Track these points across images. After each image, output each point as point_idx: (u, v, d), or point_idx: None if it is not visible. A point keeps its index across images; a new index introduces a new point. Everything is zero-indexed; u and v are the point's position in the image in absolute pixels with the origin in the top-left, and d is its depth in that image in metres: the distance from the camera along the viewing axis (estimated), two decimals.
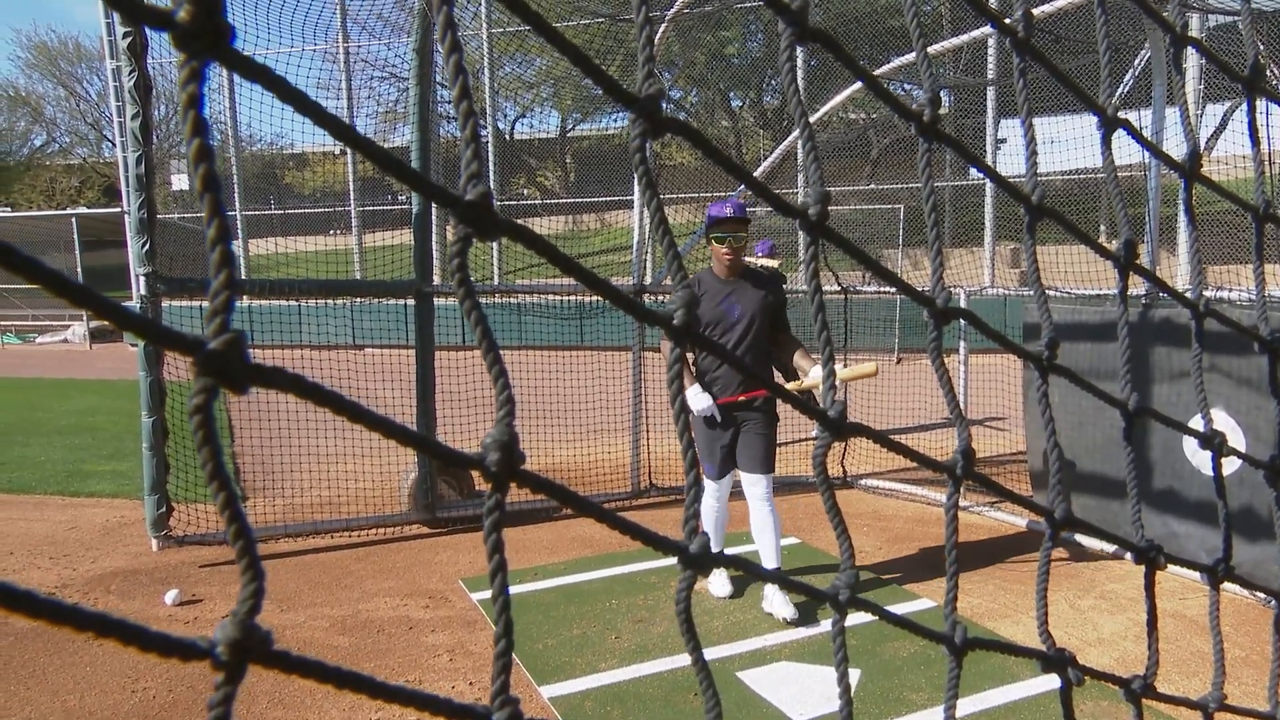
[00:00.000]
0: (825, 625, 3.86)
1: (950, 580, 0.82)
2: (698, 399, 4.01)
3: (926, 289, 0.80)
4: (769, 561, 4.02)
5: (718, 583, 4.19)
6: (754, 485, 4.05)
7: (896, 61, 6.10)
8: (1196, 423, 1.08)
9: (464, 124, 0.51)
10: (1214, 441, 1.06)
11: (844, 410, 0.68)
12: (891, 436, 0.79)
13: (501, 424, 0.51)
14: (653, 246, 7.40)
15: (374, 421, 0.48)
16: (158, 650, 0.40)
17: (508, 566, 0.54)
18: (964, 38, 5.94)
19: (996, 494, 0.86)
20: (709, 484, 4.17)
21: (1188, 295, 1.07)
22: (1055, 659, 0.87)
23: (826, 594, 0.70)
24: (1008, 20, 0.86)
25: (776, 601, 3.98)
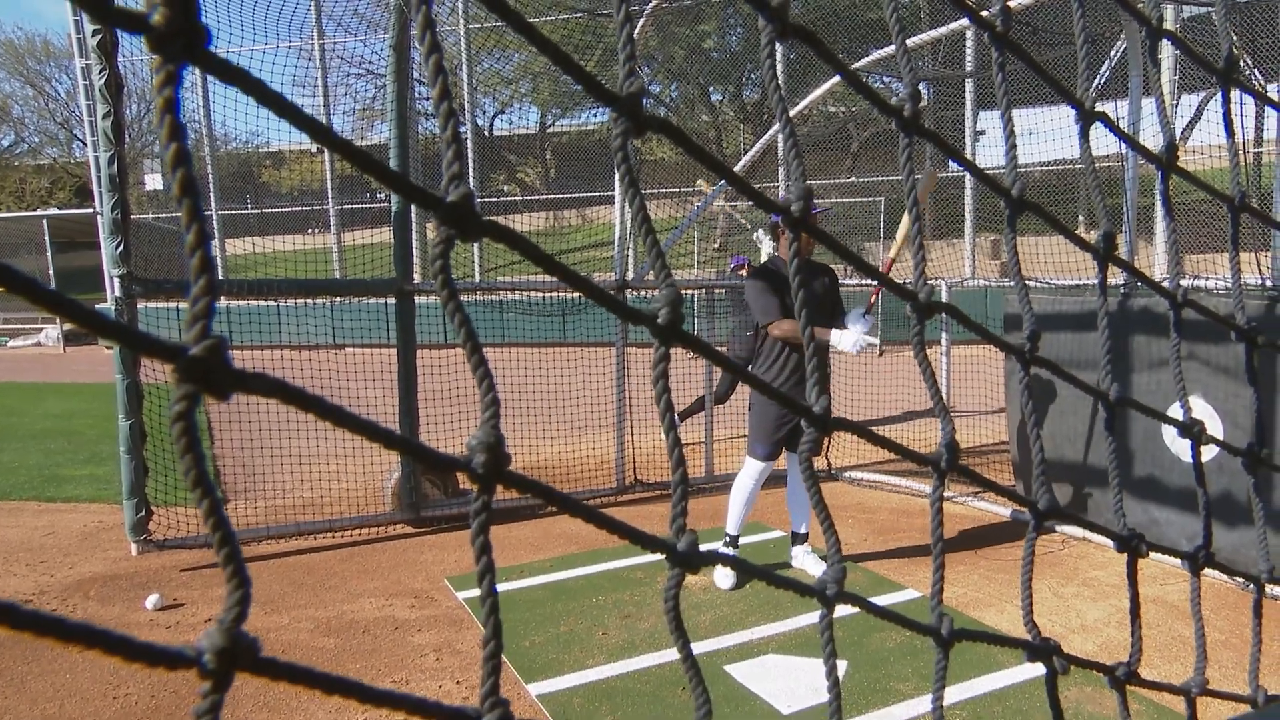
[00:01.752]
0: (812, 617, 3.88)
1: (936, 573, 0.83)
2: (851, 335, 4.03)
3: (909, 282, 0.80)
4: (801, 526, 4.54)
5: (722, 574, 4.25)
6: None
7: (875, 55, 6.12)
8: (1175, 411, 1.09)
9: (444, 124, 0.51)
10: (1193, 430, 1.07)
11: (829, 405, 0.69)
12: (874, 429, 0.79)
13: (487, 425, 0.51)
14: (634, 242, 7.39)
15: (358, 426, 0.48)
16: (144, 660, 0.39)
17: (495, 567, 0.54)
18: (942, 30, 5.97)
19: (980, 485, 0.86)
20: (754, 464, 4.39)
21: (1165, 285, 1.08)
22: (1041, 648, 0.88)
23: (814, 589, 0.70)
24: (985, 14, 0.86)
25: (808, 562, 4.47)
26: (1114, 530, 0.98)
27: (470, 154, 18.51)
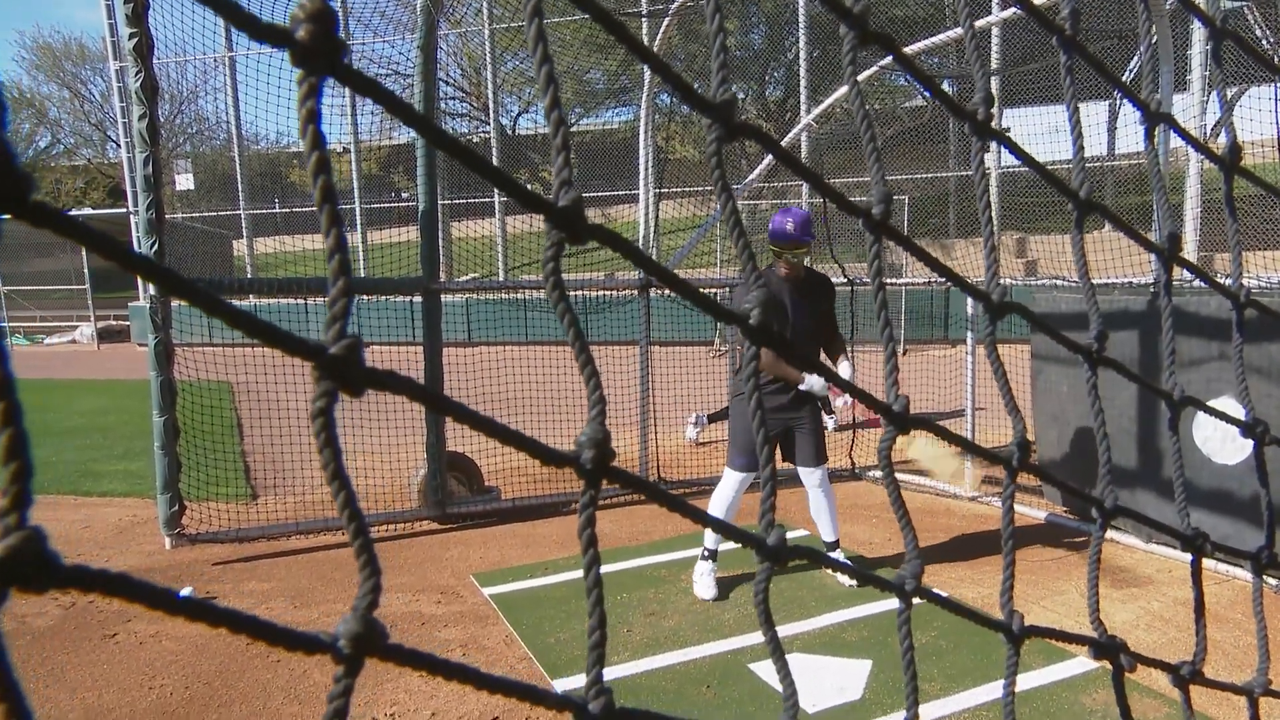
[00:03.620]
0: (836, 617, 3.88)
1: (1006, 569, 0.84)
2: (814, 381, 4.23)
3: (980, 281, 0.80)
4: (828, 534, 4.40)
5: (704, 585, 4.17)
6: (810, 476, 4.35)
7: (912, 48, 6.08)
8: (1237, 411, 1.08)
9: (555, 132, 0.52)
10: (1256, 430, 1.06)
11: (906, 404, 0.70)
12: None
13: (594, 422, 0.53)
14: (658, 241, 7.40)
15: (477, 421, 0.50)
16: (283, 644, 0.41)
17: (600, 559, 0.55)
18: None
19: (1051, 484, 0.87)
20: (733, 475, 4.30)
21: (1228, 285, 1.06)
22: (1108, 646, 0.88)
23: (893, 584, 0.72)
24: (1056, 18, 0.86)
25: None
26: (1178, 529, 0.98)
27: (494, 153, 18.60)
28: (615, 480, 0.54)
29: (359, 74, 0.44)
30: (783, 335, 0.64)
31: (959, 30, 5.92)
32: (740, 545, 0.61)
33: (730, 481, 4.29)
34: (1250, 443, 1.15)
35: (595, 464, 0.52)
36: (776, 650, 0.64)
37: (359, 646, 0.43)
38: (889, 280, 9.61)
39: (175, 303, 4.74)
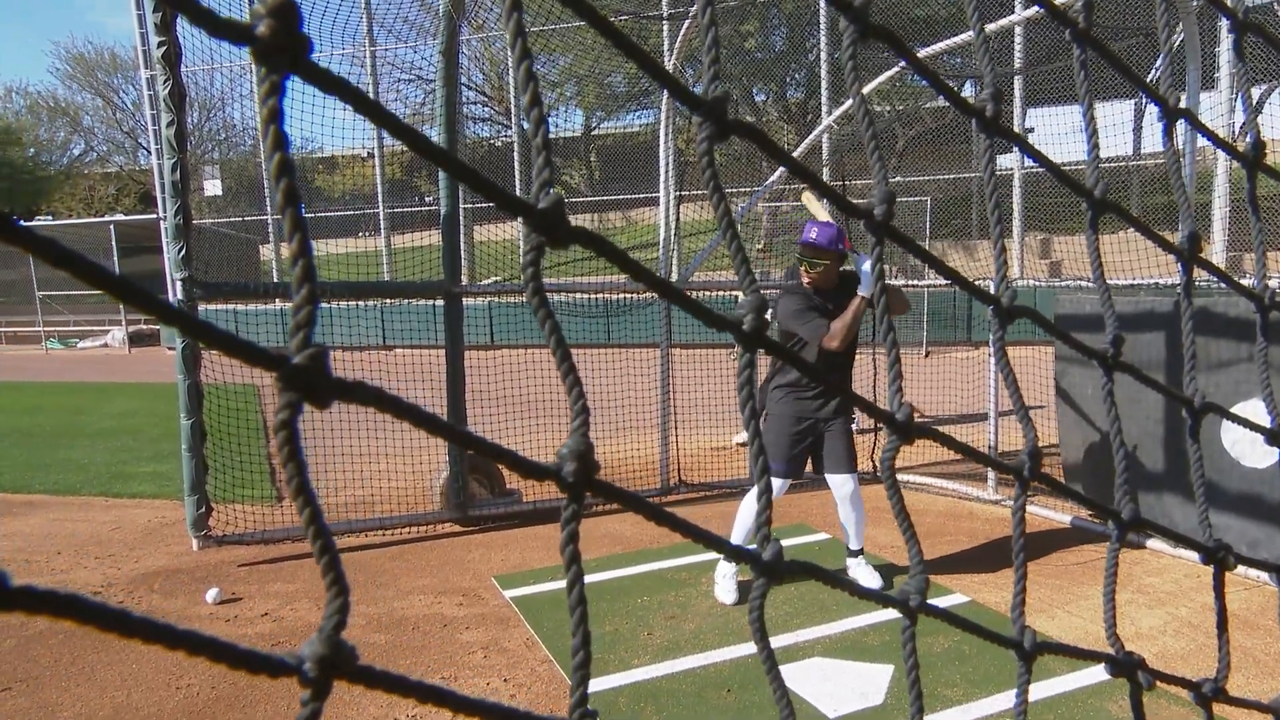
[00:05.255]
0: (857, 621, 3.85)
1: (1018, 584, 0.81)
2: (865, 283, 4.00)
3: (986, 280, 0.79)
4: (853, 542, 4.42)
5: (725, 588, 4.19)
6: (842, 485, 4.33)
7: (922, 53, 6.05)
8: (1263, 417, 1.05)
9: (535, 131, 0.49)
10: None
11: (910, 413, 0.68)
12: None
13: (577, 434, 0.50)
14: (679, 244, 7.40)
15: (451, 433, 0.48)
16: (247, 667, 0.39)
17: (584, 577, 0.52)
18: (991, 27, 5.86)
19: (1064, 495, 0.86)
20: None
21: (1252, 287, 1.04)
22: (1125, 663, 0.84)
23: (897, 600, 0.70)
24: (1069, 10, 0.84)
25: (863, 573, 4.38)
26: (1199, 541, 0.94)
27: (516, 156, 18.71)
28: (599, 493, 0.51)
29: (325, 71, 0.42)
30: (781, 345, 0.63)
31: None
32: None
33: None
34: None
35: (577, 477, 0.49)
36: (771, 668, 0.62)
37: (325, 669, 0.41)
38: (912, 282, 9.52)
39: (202, 306, 4.81)
